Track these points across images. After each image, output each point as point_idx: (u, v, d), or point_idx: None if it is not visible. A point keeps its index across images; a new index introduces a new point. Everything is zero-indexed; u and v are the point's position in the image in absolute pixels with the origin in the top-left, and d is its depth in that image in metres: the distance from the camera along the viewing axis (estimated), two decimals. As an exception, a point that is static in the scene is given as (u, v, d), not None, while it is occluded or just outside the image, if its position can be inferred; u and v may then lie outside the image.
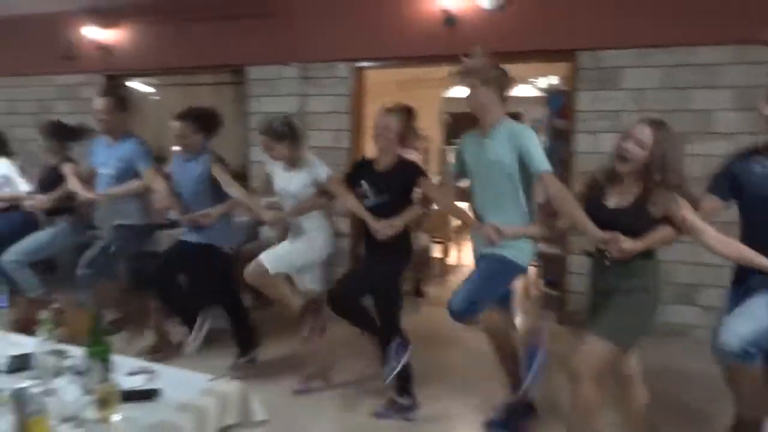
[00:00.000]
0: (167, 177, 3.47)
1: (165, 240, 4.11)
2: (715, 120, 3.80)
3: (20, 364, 1.85)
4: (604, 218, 2.15)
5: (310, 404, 3.05)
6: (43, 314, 1.72)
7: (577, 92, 4.12)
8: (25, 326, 2.21)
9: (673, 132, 2.11)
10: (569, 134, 4.26)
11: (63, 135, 4.01)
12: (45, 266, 4.08)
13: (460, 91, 10.11)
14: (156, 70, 5.67)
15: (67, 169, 3.83)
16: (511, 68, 2.54)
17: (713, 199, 2.30)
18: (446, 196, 2.85)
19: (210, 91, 5.96)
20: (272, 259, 3.03)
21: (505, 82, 2.49)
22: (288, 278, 3.24)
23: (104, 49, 5.49)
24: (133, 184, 3.56)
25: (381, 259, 2.86)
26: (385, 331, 2.85)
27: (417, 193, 2.86)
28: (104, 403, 1.49)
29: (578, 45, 4.04)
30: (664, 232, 2.12)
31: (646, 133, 2.07)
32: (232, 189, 3.21)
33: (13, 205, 4.03)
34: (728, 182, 2.29)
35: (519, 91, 9.82)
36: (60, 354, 1.81)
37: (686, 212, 2.08)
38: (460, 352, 3.75)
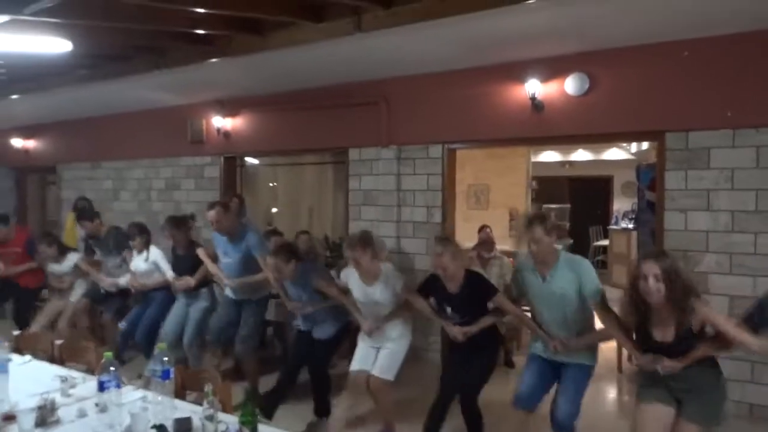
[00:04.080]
0: None
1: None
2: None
3: (183, 426, 2.25)
4: (657, 350, 2.42)
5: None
6: (208, 386, 2.12)
7: (666, 171, 4.16)
8: (180, 393, 2.63)
9: (671, 254, 2.41)
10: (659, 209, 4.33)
11: (186, 227, 4.56)
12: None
13: (548, 156, 10.14)
14: (267, 152, 6.37)
15: (201, 253, 4.38)
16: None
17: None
18: (516, 308, 3.22)
19: (313, 170, 6.59)
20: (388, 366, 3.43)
21: (555, 227, 2.93)
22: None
23: (225, 135, 6.30)
24: (259, 276, 4.07)
25: (470, 356, 3.19)
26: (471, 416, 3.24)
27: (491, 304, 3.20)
28: (257, 462, 1.84)
29: (665, 126, 4.14)
30: (704, 349, 2.36)
31: (654, 267, 2.30)
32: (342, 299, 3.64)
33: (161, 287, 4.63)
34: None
35: (610, 153, 9.81)
36: (213, 419, 2.19)
37: (723, 322, 2.33)
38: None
